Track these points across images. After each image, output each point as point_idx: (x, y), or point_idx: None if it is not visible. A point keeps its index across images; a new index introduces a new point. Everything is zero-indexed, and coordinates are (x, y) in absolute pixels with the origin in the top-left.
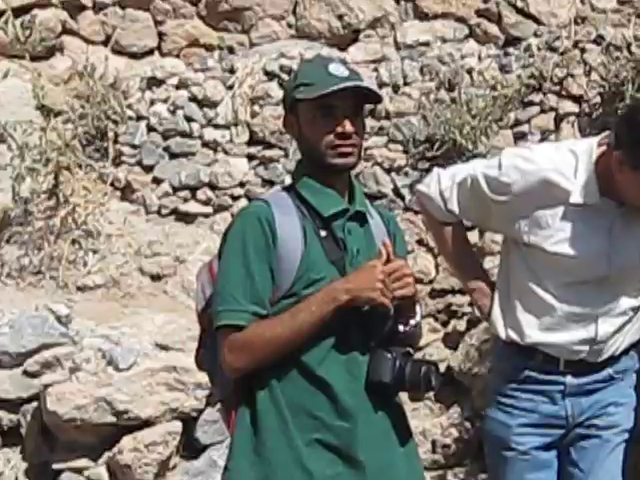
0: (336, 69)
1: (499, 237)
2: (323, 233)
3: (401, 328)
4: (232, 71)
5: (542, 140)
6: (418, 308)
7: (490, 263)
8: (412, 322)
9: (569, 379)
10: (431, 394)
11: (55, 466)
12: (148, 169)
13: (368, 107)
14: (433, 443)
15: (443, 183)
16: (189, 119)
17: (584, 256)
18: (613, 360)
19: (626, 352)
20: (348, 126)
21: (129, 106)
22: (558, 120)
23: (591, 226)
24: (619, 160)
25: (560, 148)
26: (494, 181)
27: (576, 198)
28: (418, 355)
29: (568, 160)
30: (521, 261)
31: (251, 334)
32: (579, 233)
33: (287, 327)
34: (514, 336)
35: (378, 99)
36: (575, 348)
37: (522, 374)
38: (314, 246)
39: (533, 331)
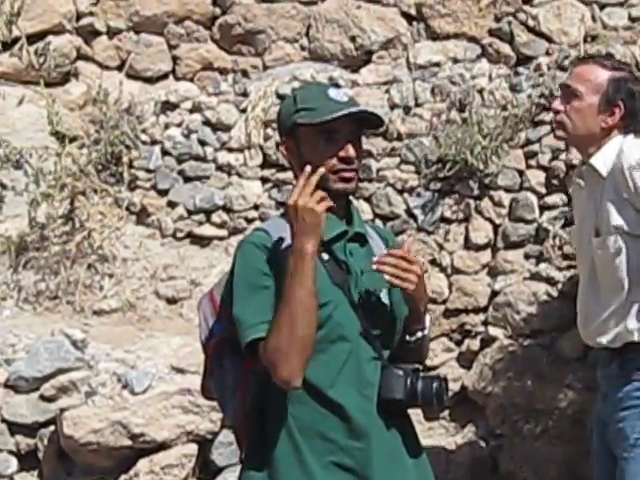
0: (336, 94)
1: (511, 257)
2: (325, 256)
3: (407, 338)
4: (245, 94)
5: (552, 159)
6: (428, 321)
7: (502, 282)
8: (419, 334)
9: (600, 372)
10: (445, 413)
11: None
12: (163, 193)
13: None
14: (448, 462)
15: None
16: (203, 143)
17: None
18: (616, 353)
19: (634, 349)
20: (351, 151)
21: (143, 130)
22: None
23: (584, 198)
24: None
25: None
26: None
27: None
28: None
29: None
30: None
31: (268, 339)
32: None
33: (287, 308)
34: None
35: (379, 124)
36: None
37: None
38: (317, 270)
39: None
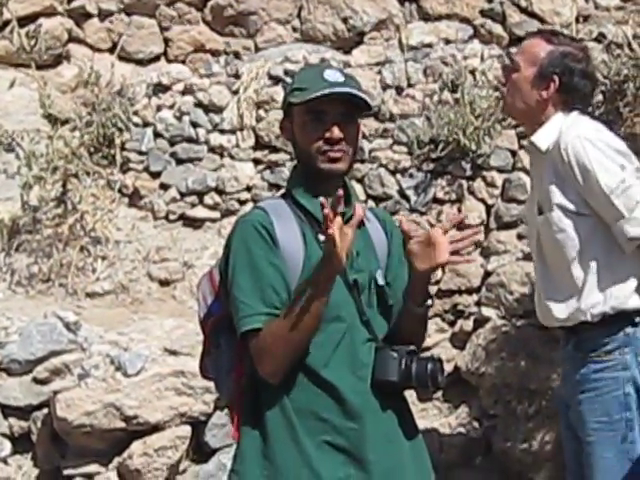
0: (331, 75)
1: (503, 237)
2: (322, 237)
3: (416, 309)
4: (237, 76)
5: None
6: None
7: (495, 263)
8: (428, 302)
9: (560, 352)
10: (439, 394)
11: (66, 472)
12: (155, 175)
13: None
14: (441, 443)
15: None
16: (195, 125)
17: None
18: (571, 332)
19: (593, 329)
20: (336, 132)
21: (135, 113)
22: None
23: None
24: None
25: None
26: None
27: None
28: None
29: None
30: None
31: (264, 335)
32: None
33: (293, 316)
34: None
35: (368, 107)
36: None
37: None
38: (314, 251)
39: None
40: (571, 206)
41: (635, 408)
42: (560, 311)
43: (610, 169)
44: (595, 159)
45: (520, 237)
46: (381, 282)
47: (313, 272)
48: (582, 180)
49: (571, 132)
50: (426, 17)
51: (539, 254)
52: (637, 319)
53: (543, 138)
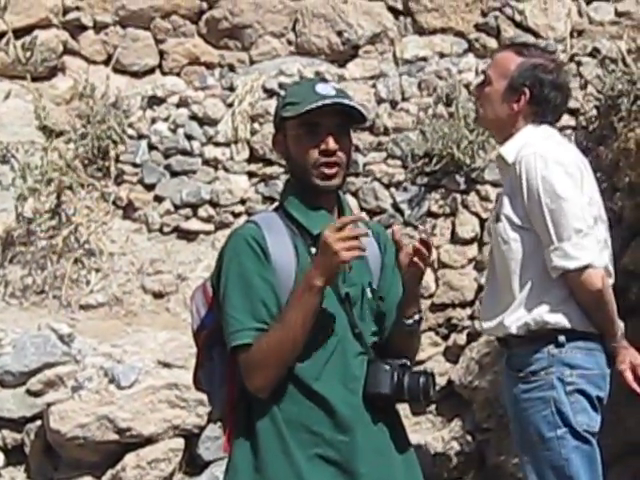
0: (323, 88)
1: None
2: (314, 250)
3: (405, 322)
4: (232, 89)
5: None
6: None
7: None
8: (416, 317)
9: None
10: (432, 407)
11: None
12: (149, 187)
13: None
14: (435, 456)
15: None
16: (190, 137)
17: None
18: (505, 346)
19: (520, 344)
20: (331, 143)
21: (130, 125)
22: None
23: None
24: None
25: None
26: None
27: None
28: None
29: None
30: None
31: (253, 350)
32: None
33: (280, 331)
34: None
35: (363, 118)
36: None
37: None
38: (306, 264)
39: None
40: (516, 219)
41: (564, 425)
42: (492, 319)
43: (555, 192)
44: (543, 179)
45: None
46: (372, 296)
47: (299, 286)
48: (526, 196)
49: (530, 148)
50: (421, 31)
51: (491, 263)
52: (561, 339)
53: (510, 150)
